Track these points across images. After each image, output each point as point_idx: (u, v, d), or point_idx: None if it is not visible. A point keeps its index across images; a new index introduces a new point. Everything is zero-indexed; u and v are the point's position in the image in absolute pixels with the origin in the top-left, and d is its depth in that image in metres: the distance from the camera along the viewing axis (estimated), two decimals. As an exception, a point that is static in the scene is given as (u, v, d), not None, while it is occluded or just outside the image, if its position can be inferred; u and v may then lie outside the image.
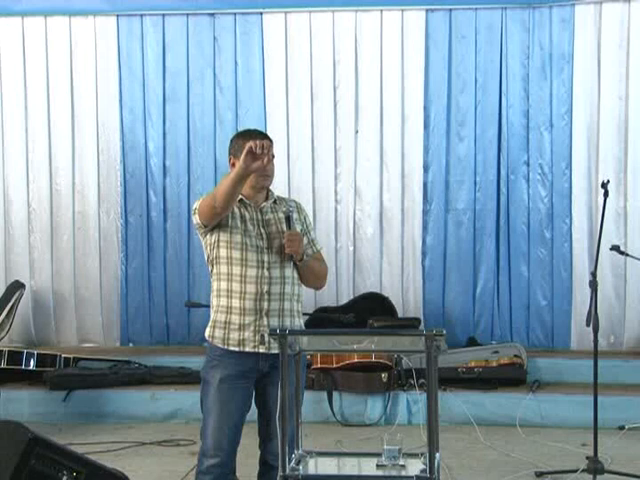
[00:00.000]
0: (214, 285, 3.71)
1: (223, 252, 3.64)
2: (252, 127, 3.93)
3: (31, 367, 6.68)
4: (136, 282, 7.67)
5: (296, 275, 3.71)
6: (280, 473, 3.12)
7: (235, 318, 3.62)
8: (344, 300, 7.43)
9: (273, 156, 3.65)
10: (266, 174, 3.66)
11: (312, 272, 3.78)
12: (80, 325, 7.71)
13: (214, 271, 3.70)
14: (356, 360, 6.42)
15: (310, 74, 7.50)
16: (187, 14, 7.57)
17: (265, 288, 3.61)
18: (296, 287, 3.72)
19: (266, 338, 3.57)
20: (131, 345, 7.69)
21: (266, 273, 3.61)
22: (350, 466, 3.44)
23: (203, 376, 3.70)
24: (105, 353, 7.26)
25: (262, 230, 3.67)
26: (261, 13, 7.52)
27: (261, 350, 3.60)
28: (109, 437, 5.98)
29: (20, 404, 6.40)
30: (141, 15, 7.61)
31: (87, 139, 7.67)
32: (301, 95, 7.53)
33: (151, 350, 7.41)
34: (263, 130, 4.02)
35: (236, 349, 3.61)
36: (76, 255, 7.69)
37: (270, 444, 3.61)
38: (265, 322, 3.60)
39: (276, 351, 3.49)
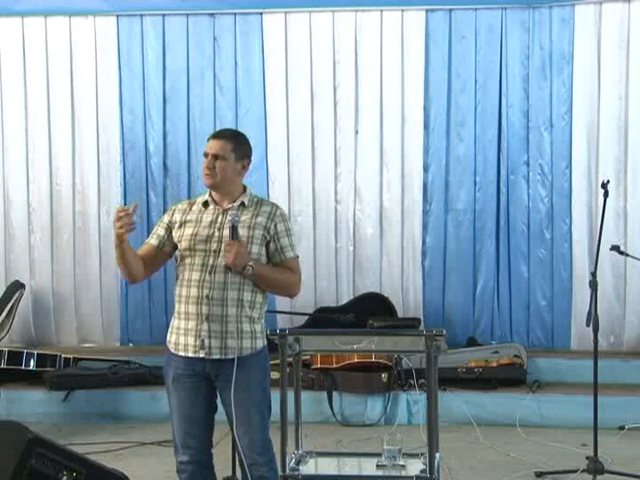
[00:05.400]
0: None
1: (179, 259, 3.66)
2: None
3: (31, 367, 6.68)
4: (136, 282, 7.66)
5: (249, 281, 3.54)
6: (280, 473, 3.12)
7: (182, 323, 3.63)
8: (344, 300, 7.42)
9: (217, 157, 3.58)
10: (205, 173, 3.62)
11: (266, 282, 3.57)
12: (80, 325, 7.71)
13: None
14: (356, 360, 6.42)
15: (310, 74, 7.49)
16: (187, 14, 7.56)
17: (206, 292, 3.53)
18: (247, 293, 3.54)
19: (206, 343, 3.53)
20: (131, 345, 7.69)
21: (208, 277, 3.53)
22: (350, 466, 3.45)
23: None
24: (105, 353, 7.25)
25: (218, 233, 3.58)
26: (261, 13, 7.51)
27: (201, 355, 3.55)
28: (109, 437, 5.98)
29: (20, 404, 6.41)
30: (141, 15, 7.60)
31: (87, 139, 7.67)
32: (301, 95, 7.52)
33: (151, 350, 7.38)
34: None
35: (182, 354, 3.61)
36: (76, 255, 7.69)
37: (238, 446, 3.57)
38: (206, 327, 3.53)
39: (217, 356, 3.49)
